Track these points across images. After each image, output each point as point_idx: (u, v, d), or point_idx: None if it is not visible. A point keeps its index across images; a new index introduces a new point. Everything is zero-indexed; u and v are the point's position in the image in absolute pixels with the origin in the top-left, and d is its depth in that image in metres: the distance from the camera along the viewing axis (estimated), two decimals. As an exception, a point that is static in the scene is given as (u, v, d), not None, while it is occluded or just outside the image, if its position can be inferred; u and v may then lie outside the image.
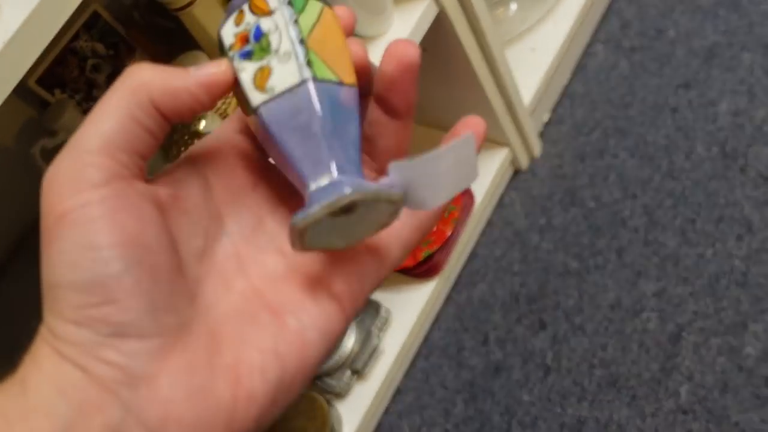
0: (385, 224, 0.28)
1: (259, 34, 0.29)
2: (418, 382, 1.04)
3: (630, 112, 1.10)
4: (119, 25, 0.87)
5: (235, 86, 0.29)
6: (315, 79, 0.28)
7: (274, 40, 0.28)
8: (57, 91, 0.83)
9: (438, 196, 0.28)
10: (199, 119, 0.70)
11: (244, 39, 0.29)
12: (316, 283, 0.28)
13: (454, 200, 1.00)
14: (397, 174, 0.27)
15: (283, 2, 0.29)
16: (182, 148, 0.72)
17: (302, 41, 0.28)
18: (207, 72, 0.27)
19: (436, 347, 1.05)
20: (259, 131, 0.29)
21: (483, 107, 0.99)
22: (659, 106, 1.09)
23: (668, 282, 0.95)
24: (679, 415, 0.86)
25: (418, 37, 0.81)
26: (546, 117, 1.16)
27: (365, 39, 0.80)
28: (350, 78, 0.29)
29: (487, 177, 1.07)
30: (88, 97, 0.86)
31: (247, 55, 0.28)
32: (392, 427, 1.02)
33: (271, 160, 0.31)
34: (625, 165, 1.06)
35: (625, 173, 1.06)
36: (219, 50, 0.30)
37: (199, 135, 0.69)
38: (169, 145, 0.75)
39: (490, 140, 1.08)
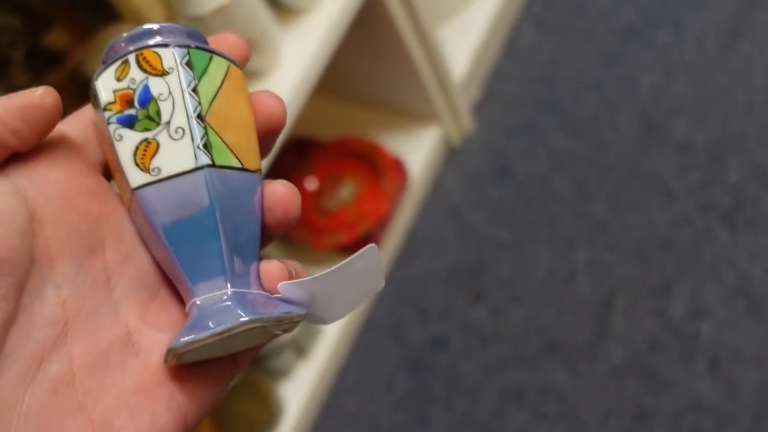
0: (275, 336, 0.24)
1: (147, 99, 0.23)
2: (360, 358, 1.04)
3: (556, 89, 1.14)
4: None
5: (110, 153, 0.24)
6: (213, 165, 0.23)
7: (165, 109, 0.23)
8: (-30, 69, 0.78)
9: (341, 311, 0.25)
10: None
11: (127, 100, 0.23)
12: (159, 385, 0.22)
13: (390, 178, 1.01)
14: (298, 291, 0.24)
15: (180, 60, 0.23)
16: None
17: (200, 116, 0.23)
18: (21, 98, 0.22)
19: (377, 324, 1.05)
20: (137, 216, 0.24)
21: (415, 84, 1.00)
22: (584, 83, 1.13)
23: (598, 249, 0.99)
24: (613, 374, 0.90)
25: (351, 12, 0.80)
26: (476, 94, 1.18)
27: (303, 10, 0.79)
28: (254, 163, 0.25)
29: (421, 154, 1.08)
30: (4, 75, 0.82)
31: (129, 122, 0.23)
32: (337, 405, 1.02)
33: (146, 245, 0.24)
34: (553, 139, 1.10)
35: (554, 147, 1.09)
36: (92, 103, 0.24)
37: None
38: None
39: (423, 118, 1.09)
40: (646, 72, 1.10)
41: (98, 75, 0.24)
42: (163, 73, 0.23)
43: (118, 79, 0.23)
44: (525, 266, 1.01)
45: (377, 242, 1.02)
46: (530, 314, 0.98)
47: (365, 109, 1.14)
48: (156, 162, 0.23)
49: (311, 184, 1.07)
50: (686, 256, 0.94)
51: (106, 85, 0.24)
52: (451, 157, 1.15)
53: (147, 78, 0.23)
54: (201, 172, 0.23)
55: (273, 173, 1.11)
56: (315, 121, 1.16)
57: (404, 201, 1.06)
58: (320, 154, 1.08)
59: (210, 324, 0.21)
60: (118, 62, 0.24)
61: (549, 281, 0.99)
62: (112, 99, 0.23)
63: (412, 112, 1.09)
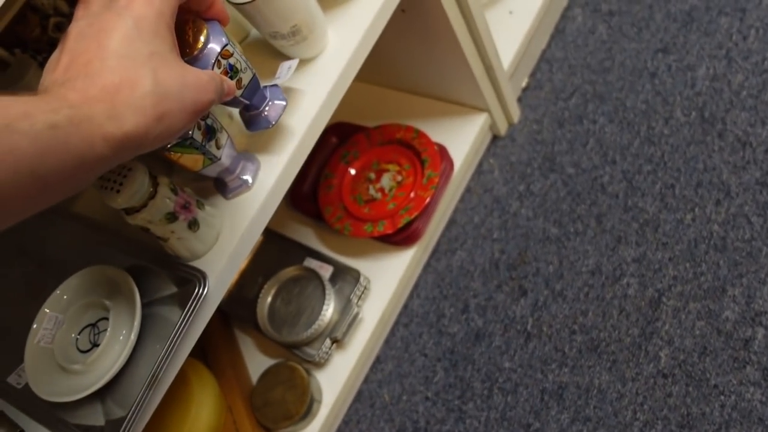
0: None
1: None
2: (398, 350, 1.03)
3: (609, 77, 1.10)
4: (83, -19, 0.82)
5: None
6: None
7: None
8: (17, 51, 0.78)
9: None
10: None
11: None
12: None
13: (433, 166, 0.98)
14: None
15: None
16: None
17: None
18: None
19: (416, 315, 1.04)
20: None
21: (462, 70, 0.97)
22: (638, 71, 1.08)
23: (648, 247, 0.95)
24: (659, 378, 0.87)
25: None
26: (524, 82, 1.14)
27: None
28: None
29: (466, 143, 1.05)
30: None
31: None
32: (372, 396, 1.01)
33: None
34: (604, 131, 1.06)
35: (605, 139, 1.05)
36: None
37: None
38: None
39: (469, 106, 1.06)
40: (705, 62, 1.05)
41: None
42: None
43: None
44: (571, 262, 0.98)
45: (419, 232, 1.00)
46: (574, 312, 0.95)
47: (409, 95, 1.11)
48: None
49: (352, 169, 1.05)
50: (742, 258, 0.90)
51: None
52: (497, 146, 1.12)
53: None
54: None
55: (313, 158, 1.09)
56: (358, 107, 1.14)
57: (447, 190, 1.03)
58: (363, 141, 1.06)
59: None
60: None
61: (595, 279, 0.96)
62: None
63: (458, 99, 1.06)
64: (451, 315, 1.02)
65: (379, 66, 1.07)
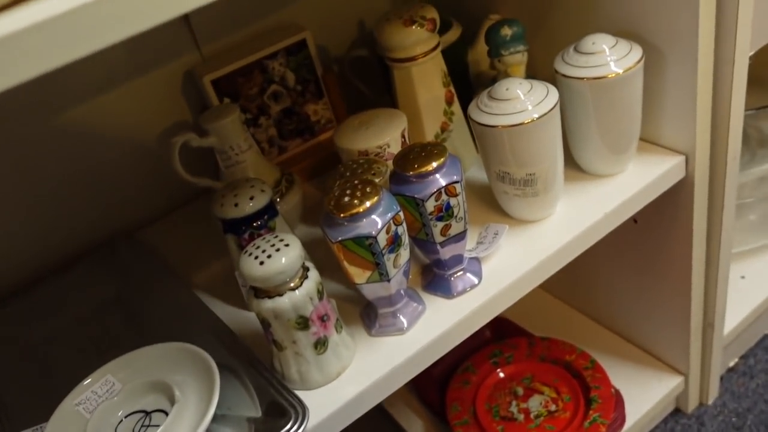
0: None
1: None
2: None
3: None
4: (320, 65, 0.77)
5: None
6: None
7: None
8: (226, 100, 0.72)
9: None
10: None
11: None
12: None
13: (604, 412, 0.78)
14: None
15: None
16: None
17: None
18: None
19: None
20: None
21: (675, 318, 0.80)
22: None
23: None
24: None
25: (650, 196, 0.64)
26: (733, 362, 0.93)
27: (602, 176, 0.64)
28: None
29: (647, 402, 0.84)
30: (254, 121, 0.75)
31: None
32: None
33: None
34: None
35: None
36: None
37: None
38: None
39: (664, 362, 0.87)
40: None
41: None
42: None
43: None
44: None
45: (552, 484, 0.77)
46: None
47: (595, 323, 0.94)
48: None
49: (501, 373, 0.87)
50: None
51: None
52: (677, 422, 0.89)
53: None
54: None
55: (461, 348, 0.92)
56: (530, 310, 0.98)
57: (603, 448, 0.81)
58: (523, 347, 0.89)
59: None
60: None
61: None
62: None
63: (653, 349, 0.87)
64: None
65: (575, 281, 0.92)
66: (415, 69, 0.65)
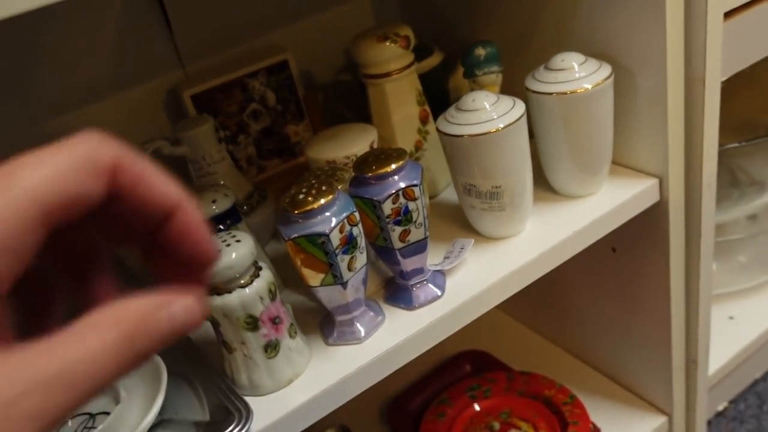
0: None
1: None
2: None
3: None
4: (302, 87, 0.78)
5: None
6: None
7: None
8: (205, 114, 0.73)
9: None
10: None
11: None
12: None
13: (581, 447, 0.75)
14: None
15: None
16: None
17: None
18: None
19: None
20: None
21: (657, 355, 0.77)
22: None
23: None
24: None
25: (622, 217, 0.63)
26: (722, 405, 0.90)
27: (574, 198, 0.64)
28: None
29: (628, 440, 0.81)
30: (233, 139, 0.76)
31: None
32: None
33: None
34: None
35: None
36: None
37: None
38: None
39: (647, 400, 0.84)
40: None
41: None
42: None
43: None
44: None
45: None
46: None
47: (576, 359, 0.91)
48: None
49: (477, 406, 0.84)
50: None
51: None
52: (662, 466, 0.85)
53: None
54: None
55: (436, 376, 0.90)
56: (510, 344, 0.96)
57: (581, 490, 0.77)
58: (502, 381, 0.86)
59: None
60: None
61: None
62: None
63: (635, 388, 0.84)
64: None
65: (556, 316, 0.90)
66: (388, 85, 0.65)
